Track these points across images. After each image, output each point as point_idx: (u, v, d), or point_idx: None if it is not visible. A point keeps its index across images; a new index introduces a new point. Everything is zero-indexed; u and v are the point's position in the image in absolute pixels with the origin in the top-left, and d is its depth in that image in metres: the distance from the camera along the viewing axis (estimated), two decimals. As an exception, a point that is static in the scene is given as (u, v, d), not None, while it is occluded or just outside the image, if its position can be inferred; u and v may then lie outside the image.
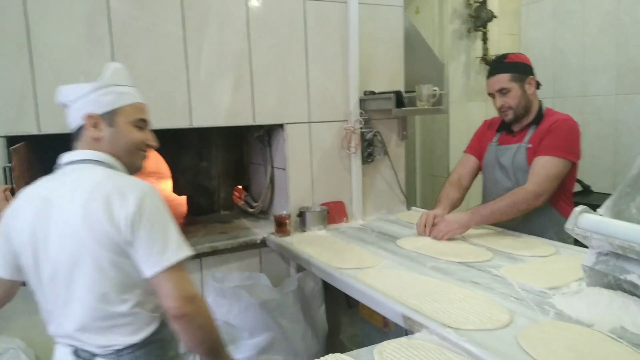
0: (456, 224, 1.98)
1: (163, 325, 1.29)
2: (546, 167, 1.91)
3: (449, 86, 3.50)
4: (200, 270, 2.17)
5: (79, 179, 1.23)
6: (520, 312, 1.31)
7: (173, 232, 1.22)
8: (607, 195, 1.40)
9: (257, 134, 2.57)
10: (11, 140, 1.89)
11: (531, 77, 2.03)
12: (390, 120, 2.62)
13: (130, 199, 1.17)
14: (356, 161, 2.53)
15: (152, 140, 1.39)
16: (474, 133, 2.32)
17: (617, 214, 1.32)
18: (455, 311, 1.31)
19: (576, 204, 1.45)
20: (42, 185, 1.28)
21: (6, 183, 1.81)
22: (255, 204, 2.68)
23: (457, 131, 3.59)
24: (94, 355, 1.23)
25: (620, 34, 3.06)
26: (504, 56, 2.08)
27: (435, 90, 2.43)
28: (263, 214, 2.68)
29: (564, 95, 3.42)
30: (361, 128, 2.51)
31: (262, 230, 2.39)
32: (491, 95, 2.08)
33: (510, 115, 2.04)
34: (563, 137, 1.94)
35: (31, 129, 1.90)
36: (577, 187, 2.88)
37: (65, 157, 1.31)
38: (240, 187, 2.94)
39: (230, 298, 1.97)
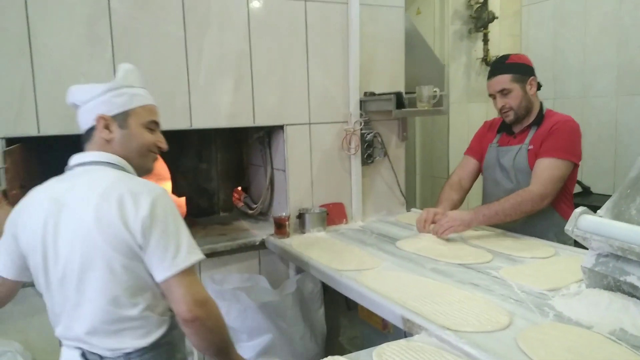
0: (458, 220, 1.95)
1: (172, 327, 1.29)
2: (550, 169, 1.91)
3: (449, 87, 3.50)
4: (199, 272, 2.16)
5: (90, 181, 1.22)
6: (520, 314, 1.31)
7: (185, 235, 1.22)
8: (607, 196, 1.40)
9: (257, 135, 2.57)
10: (11, 142, 1.89)
11: (532, 78, 2.02)
12: (391, 121, 2.61)
13: (143, 202, 1.17)
14: (356, 162, 2.52)
15: (163, 143, 1.39)
16: (474, 134, 2.32)
17: (617, 216, 1.31)
18: (454, 313, 1.30)
19: (576, 205, 1.44)
20: (53, 187, 1.27)
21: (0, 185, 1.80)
22: (254, 206, 2.68)
23: (458, 132, 3.58)
24: (103, 358, 1.22)
25: (621, 34, 3.06)
26: (505, 57, 2.08)
27: (435, 91, 2.43)
28: (262, 215, 2.68)
29: (565, 96, 3.42)
30: (361, 129, 2.51)
31: (262, 232, 2.39)
32: (492, 96, 2.08)
33: (511, 116, 2.04)
34: (565, 139, 1.94)
35: (31, 131, 1.90)
36: (577, 189, 2.88)
37: (76, 159, 1.30)
38: (239, 188, 2.94)
39: (229, 300, 1.97)
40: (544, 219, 1.98)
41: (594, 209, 1.37)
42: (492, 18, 3.50)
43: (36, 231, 1.21)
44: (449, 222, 1.96)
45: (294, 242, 2.16)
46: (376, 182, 2.63)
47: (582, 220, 1.34)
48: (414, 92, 2.43)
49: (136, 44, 2.03)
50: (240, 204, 2.82)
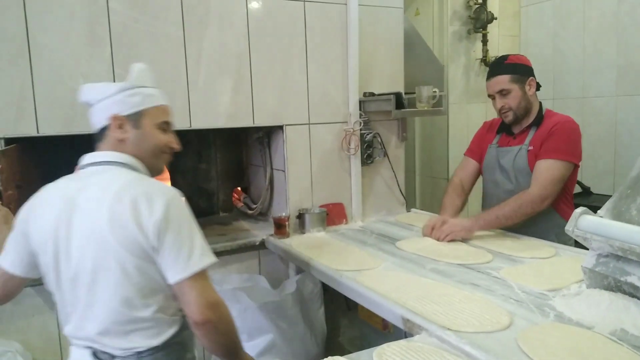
0: (459, 226, 1.98)
1: (183, 328, 1.29)
2: (550, 170, 1.91)
3: (448, 88, 3.50)
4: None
5: (104, 181, 1.22)
6: (520, 314, 1.30)
7: (198, 238, 1.21)
8: (608, 196, 1.40)
9: (257, 136, 2.57)
10: (10, 142, 1.89)
11: (531, 78, 2.02)
12: (390, 121, 2.62)
13: (157, 204, 1.17)
14: (356, 163, 2.52)
15: (176, 143, 1.39)
16: (473, 135, 2.31)
17: (618, 216, 1.31)
18: (454, 313, 1.30)
19: (576, 206, 1.44)
20: (65, 185, 1.26)
21: None
22: (254, 206, 2.68)
23: (457, 133, 3.59)
24: (114, 357, 1.22)
25: (621, 35, 3.06)
26: (504, 57, 2.08)
27: (435, 91, 2.43)
28: (262, 215, 2.68)
29: (564, 96, 3.42)
30: (361, 129, 2.51)
31: (261, 232, 2.39)
32: (491, 96, 2.07)
33: (510, 117, 2.04)
34: (565, 140, 1.94)
35: (30, 131, 1.89)
36: (577, 189, 2.88)
37: (88, 158, 1.29)
38: (239, 188, 2.93)
39: (229, 300, 1.96)
40: (545, 220, 1.98)
41: (594, 209, 1.37)
42: (491, 19, 3.51)
43: (48, 230, 1.21)
44: (450, 227, 1.97)
45: (294, 243, 2.16)
46: (376, 183, 2.63)
47: (582, 221, 1.34)
48: (414, 93, 2.44)
49: (135, 44, 2.02)
50: (240, 204, 2.82)
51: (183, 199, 1.25)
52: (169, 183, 2.75)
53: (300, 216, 2.35)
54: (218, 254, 2.18)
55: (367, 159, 2.56)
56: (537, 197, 1.89)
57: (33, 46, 1.87)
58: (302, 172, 2.43)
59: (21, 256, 1.27)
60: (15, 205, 1.70)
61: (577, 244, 1.67)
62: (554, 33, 3.48)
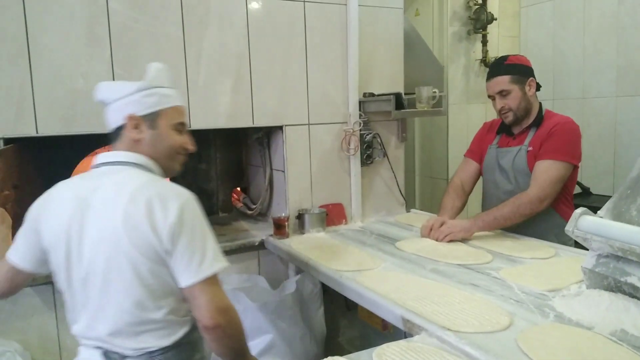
0: (458, 227, 1.98)
1: (193, 327, 1.29)
2: (549, 171, 1.91)
3: (448, 88, 3.50)
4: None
5: (119, 182, 1.21)
6: (520, 315, 1.30)
7: (210, 242, 1.21)
8: (607, 197, 1.40)
9: (256, 136, 2.57)
10: (9, 142, 1.88)
11: (531, 79, 2.02)
12: (390, 122, 2.61)
13: (172, 207, 1.16)
14: (355, 163, 2.52)
15: (191, 144, 1.38)
16: (473, 135, 2.32)
17: (618, 216, 1.31)
18: (454, 314, 1.30)
19: (576, 206, 1.44)
20: (79, 185, 1.25)
21: None
22: (253, 206, 2.67)
23: (457, 133, 3.59)
24: (125, 357, 1.22)
25: (621, 35, 3.06)
26: (504, 58, 2.08)
27: (434, 92, 2.43)
28: (262, 216, 2.67)
29: (564, 97, 3.42)
30: (360, 130, 2.51)
31: (261, 233, 2.38)
32: (491, 97, 2.08)
33: (510, 117, 2.04)
34: (565, 141, 1.94)
35: (29, 131, 1.89)
36: (577, 189, 2.88)
37: (102, 158, 1.29)
38: (239, 189, 2.93)
39: (229, 300, 1.97)
40: (544, 220, 1.98)
41: (594, 209, 1.37)
42: (491, 19, 3.51)
43: (60, 229, 1.20)
44: (449, 228, 1.98)
45: (294, 243, 2.15)
46: (375, 183, 2.63)
47: (582, 221, 1.34)
48: (413, 93, 2.44)
49: (135, 44, 2.02)
50: (240, 205, 2.82)
51: (197, 202, 1.25)
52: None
53: (300, 216, 2.35)
54: (217, 254, 2.20)
55: (366, 159, 2.56)
56: (536, 198, 1.89)
57: (33, 46, 1.86)
58: (301, 172, 2.43)
59: (32, 252, 1.27)
60: (12, 205, 1.69)
61: (577, 245, 1.67)
62: (554, 33, 3.48)
